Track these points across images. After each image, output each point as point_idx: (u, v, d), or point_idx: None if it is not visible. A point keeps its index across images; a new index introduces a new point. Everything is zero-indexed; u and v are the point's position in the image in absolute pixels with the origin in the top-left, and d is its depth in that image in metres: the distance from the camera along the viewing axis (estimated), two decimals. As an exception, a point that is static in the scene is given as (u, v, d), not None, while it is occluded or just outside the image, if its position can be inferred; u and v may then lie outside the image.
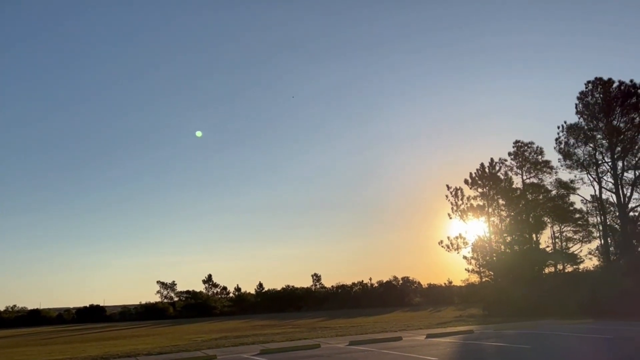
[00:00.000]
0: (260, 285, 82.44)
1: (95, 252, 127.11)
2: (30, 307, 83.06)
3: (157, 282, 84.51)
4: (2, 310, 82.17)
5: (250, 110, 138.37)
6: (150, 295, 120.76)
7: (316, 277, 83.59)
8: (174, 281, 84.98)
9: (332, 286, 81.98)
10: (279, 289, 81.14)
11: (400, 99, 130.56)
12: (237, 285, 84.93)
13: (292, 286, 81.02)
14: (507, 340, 17.88)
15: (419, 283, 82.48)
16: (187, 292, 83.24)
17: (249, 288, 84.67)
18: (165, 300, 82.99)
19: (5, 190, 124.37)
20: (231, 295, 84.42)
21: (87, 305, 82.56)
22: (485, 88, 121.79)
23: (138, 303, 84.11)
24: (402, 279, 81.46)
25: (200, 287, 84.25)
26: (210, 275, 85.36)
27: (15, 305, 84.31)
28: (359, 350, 16.38)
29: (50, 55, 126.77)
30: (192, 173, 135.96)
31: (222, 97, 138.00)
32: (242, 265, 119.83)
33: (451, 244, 42.22)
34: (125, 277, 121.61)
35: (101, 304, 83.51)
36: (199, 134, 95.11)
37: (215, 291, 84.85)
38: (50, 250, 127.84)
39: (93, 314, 79.74)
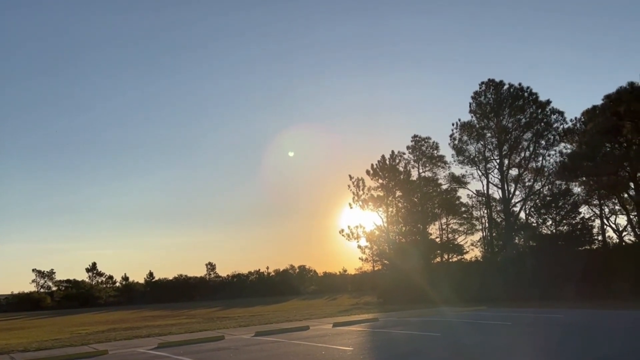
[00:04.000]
0: (151, 274, 78.58)
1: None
2: None
3: (33, 270, 77.29)
4: None
5: (136, 88, 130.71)
6: (24, 284, 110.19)
7: (211, 266, 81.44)
8: (52, 269, 78.34)
9: (227, 275, 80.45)
10: (170, 278, 77.84)
11: (302, 87, 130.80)
12: (125, 274, 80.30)
13: (185, 275, 78.14)
14: (414, 328, 18.15)
15: (314, 271, 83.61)
16: (68, 281, 76.97)
17: (139, 278, 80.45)
18: (42, 290, 76.06)
19: None
20: (118, 284, 79.53)
21: (-54, 296, 73.24)
22: (389, 82, 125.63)
23: (10, 293, 76.14)
24: (299, 267, 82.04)
25: (83, 276, 78.49)
26: (94, 264, 79.81)
27: None
28: (268, 342, 15.66)
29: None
30: (73, 155, 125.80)
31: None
32: (130, 254, 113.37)
33: (351, 233, 42.93)
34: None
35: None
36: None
37: (100, 280, 79.42)
38: None
39: (-47, 306, 70.85)
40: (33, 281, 77.25)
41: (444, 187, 42.55)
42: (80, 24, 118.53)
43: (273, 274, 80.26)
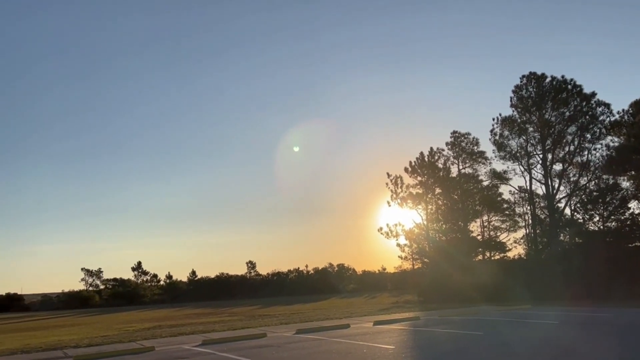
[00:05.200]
0: (193, 273, 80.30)
1: (13, 239, 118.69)
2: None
3: (82, 269, 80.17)
4: None
5: (165, 95, 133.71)
6: (74, 283, 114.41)
7: (251, 265, 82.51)
8: (100, 268, 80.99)
9: (267, 274, 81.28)
10: (212, 276, 79.33)
11: (336, 86, 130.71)
12: (169, 272, 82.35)
13: (227, 274, 79.50)
14: (456, 326, 17.91)
15: (353, 270, 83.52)
16: (115, 279, 79.58)
17: (182, 276, 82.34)
18: (91, 289, 78.87)
19: None
20: (162, 283, 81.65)
21: (3, 294, 76.81)
22: (425, 79, 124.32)
23: (60, 291, 79.43)
24: (338, 266, 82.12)
25: (129, 275, 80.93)
26: (139, 263, 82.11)
27: None
28: (309, 339, 15.78)
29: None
30: (120, 158, 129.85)
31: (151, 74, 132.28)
32: (174, 253, 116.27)
33: (390, 231, 42.67)
34: (47, 265, 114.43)
35: (19, 292, 78.07)
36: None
37: (145, 279, 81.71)
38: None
39: (9, 304, 74.24)
40: (82, 280, 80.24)
41: (485, 183, 41.83)
42: (113, 28, 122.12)
43: (312, 272, 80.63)
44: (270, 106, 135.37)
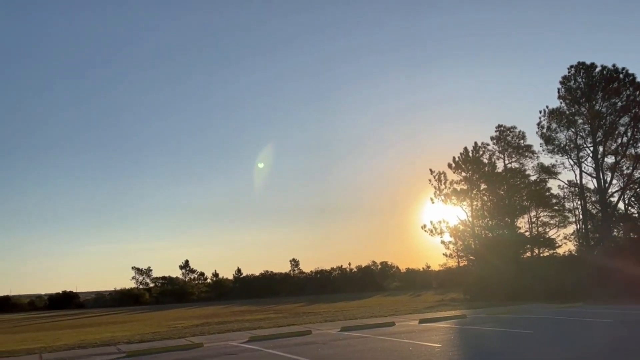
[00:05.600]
0: (239, 270, 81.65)
1: (68, 239, 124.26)
2: (0, 293, 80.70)
3: (132, 267, 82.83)
4: (-30, 297, 79.76)
5: (223, 88, 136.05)
6: (125, 281, 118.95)
7: (294, 263, 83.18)
8: (149, 267, 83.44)
9: (310, 271, 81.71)
10: (257, 274, 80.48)
11: (381, 81, 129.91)
12: (215, 270, 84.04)
13: (271, 271, 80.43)
14: (504, 325, 17.51)
15: (397, 268, 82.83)
16: (163, 278, 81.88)
17: (227, 274, 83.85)
18: (141, 287, 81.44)
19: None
20: (209, 281, 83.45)
21: (60, 292, 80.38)
22: (469, 72, 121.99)
23: (113, 289, 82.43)
24: (381, 263, 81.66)
25: (176, 273, 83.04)
26: (187, 261, 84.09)
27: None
28: (354, 337, 15.79)
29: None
30: (167, 160, 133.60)
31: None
32: (220, 251, 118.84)
33: (434, 229, 42.02)
34: (99, 263, 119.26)
35: (74, 291, 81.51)
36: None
37: (192, 277, 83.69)
38: (21, 236, 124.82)
39: (66, 301, 77.65)
40: (133, 278, 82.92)
41: (533, 178, 40.58)
42: (168, 26, 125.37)
43: (355, 270, 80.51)
44: (318, 103, 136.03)
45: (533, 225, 41.83)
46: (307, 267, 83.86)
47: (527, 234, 41.34)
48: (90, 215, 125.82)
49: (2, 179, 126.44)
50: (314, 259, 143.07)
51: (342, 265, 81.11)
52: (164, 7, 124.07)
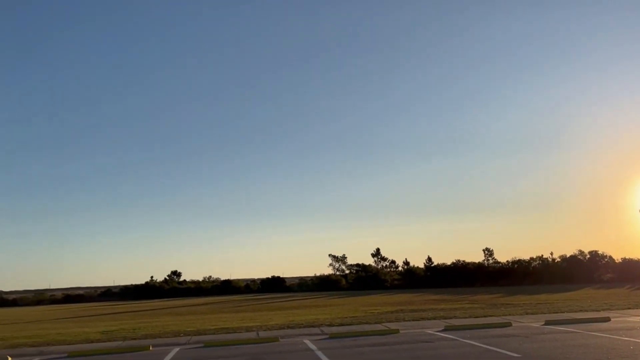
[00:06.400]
0: (429, 259, 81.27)
1: (275, 229, 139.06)
2: (222, 277, 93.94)
3: (329, 255, 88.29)
4: (200, 280, 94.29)
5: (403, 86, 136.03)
6: (323, 267, 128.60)
7: (488, 252, 79.50)
8: (344, 254, 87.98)
9: (506, 261, 77.29)
10: (448, 263, 79.10)
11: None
12: (406, 259, 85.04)
13: (463, 261, 78.22)
14: None
15: (610, 257, 73.45)
16: (357, 265, 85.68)
17: (417, 262, 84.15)
18: (337, 273, 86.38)
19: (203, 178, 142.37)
20: (400, 269, 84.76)
21: (270, 277, 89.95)
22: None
23: (313, 275, 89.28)
24: (590, 253, 73.33)
25: (369, 261, 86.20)
26: (378, 249, 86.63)
27: (210, 276, 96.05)
28: (560, 331, 14.53)
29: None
30: (357, 151, 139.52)
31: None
32: (410, 240, 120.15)
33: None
34: (301, 251, 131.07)
35: (281, 276, 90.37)
36: None
37: (383, 265, 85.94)
38: (237, 226, 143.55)
39: (275, 285, 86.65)
40: (330, 265, 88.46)
41: None
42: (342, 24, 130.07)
43: (559, 259, 73.70)
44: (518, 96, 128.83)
45: None
46: (501, 256, 79.59)
47: None
48: (292, 207, 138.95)
49: (236, 176, 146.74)
50: (509, 249, 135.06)
51: (542, 255, 75.09)
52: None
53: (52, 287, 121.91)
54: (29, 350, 16.11)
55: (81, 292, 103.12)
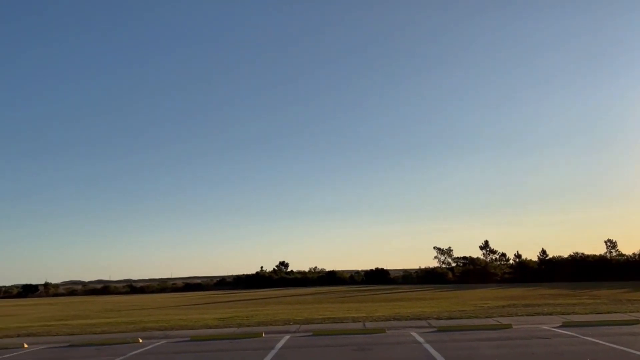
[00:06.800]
0: (543, 252, 76.68)
1: (377, 221, 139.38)
2: (327, 269, 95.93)
3: (434, 247, 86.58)
4: (306, 270, 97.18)
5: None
6: (427, 260, 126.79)
7: (610, 244, 73.25)
8: (450, 247, 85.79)
9: (632, 253, 70.64)
10: (565, 256, 73.98)
11: None
12: (517, 251, 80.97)
13: (582, 254, 72.74)
14: None
15: None
16: (464, 258, 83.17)
17: (530, 255, 79.79)
18: (443, 266, 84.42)
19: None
20: (511, 262, 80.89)
21: (374, 269, 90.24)
22: None
23: (417, 267, 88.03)
24: None
25: (476, 254, 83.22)
26: (486, 242, 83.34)
27: (316, 267, 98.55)
28: (701, 332, 13.06)
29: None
30: (466, 142, 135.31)
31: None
32: (521, 232, 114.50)
33: None
34: (405, 243, 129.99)
35: (385, 268, 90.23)
36: None
37: (493, 257, 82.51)
38: (341, 218, 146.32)
39: (379, 277, 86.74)
40: (435, 257, 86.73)
41: None
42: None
43: (695, 252, 66.05)
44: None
45: None
46: (627, 249, 72.93)
47: None
48: (395, 199, 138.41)
49: (342, 174, 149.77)
50: (636, 240, 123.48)
51: (676, 247, 67.63)
52: None
53: (173, 276, 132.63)
54: (156, 334, 17.66)
55: (199, 281, 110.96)
